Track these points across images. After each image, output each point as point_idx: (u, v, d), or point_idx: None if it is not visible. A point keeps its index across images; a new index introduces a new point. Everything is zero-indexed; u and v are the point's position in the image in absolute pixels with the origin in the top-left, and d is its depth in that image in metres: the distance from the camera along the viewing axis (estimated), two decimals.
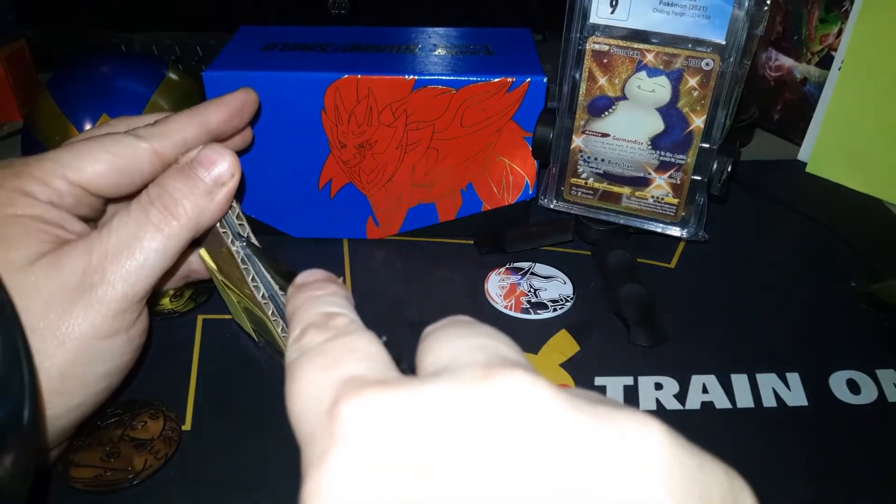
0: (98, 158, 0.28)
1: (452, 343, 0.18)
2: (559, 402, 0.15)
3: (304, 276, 0.24)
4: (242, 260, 0.31)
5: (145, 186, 0.30)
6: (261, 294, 0.31)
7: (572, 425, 0.15)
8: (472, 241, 0.49)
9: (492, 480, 0.14)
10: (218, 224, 0.30)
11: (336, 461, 0.15)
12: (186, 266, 0.36)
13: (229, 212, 0.31)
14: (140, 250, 0.27)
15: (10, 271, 0.25)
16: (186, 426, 0.35)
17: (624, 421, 0.16)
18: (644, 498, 0.14)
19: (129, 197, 0.31)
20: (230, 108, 0.33)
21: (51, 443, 0.28)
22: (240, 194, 0.32)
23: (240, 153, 0.33)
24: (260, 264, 0.31)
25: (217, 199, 0.28)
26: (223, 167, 0.28)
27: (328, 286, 0.23)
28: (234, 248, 0.30)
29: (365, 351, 0.19)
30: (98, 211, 0.30)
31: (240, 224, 0.31)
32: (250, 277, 0.30)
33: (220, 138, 0.33)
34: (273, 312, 0.31)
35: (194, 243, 0.30)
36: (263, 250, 0.31)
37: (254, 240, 0.32)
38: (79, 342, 0.26)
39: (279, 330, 0.32)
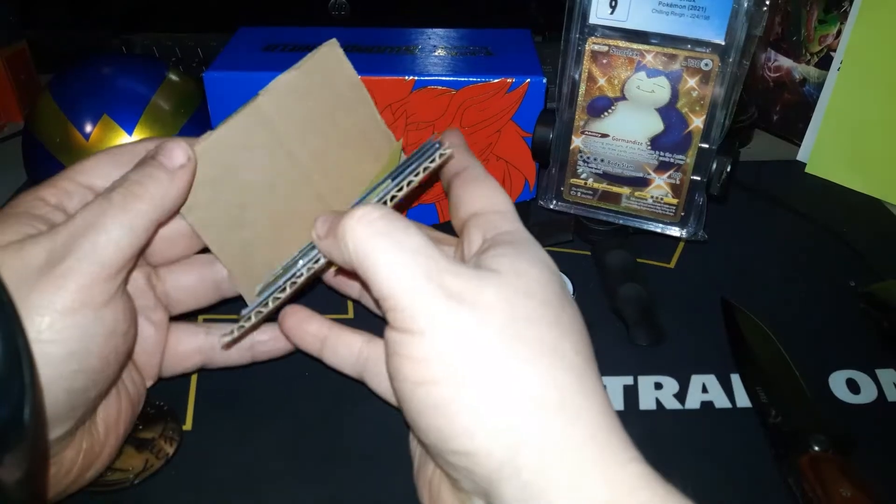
0: (103, 160, 0.31)
1: None
2: None
3: None
4: None
5: None
6: None
7: None
8: None
9: None
10: None
11: None
12: (215, 286, 0.36)
13: None
14: (104, 228, 0.27)
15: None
16: (186, 426, 0.35)
17: None
18: None
19: None
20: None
21: (53, 441, 0.27)
22: None
23: None
24: None
25: (178, 182, 0.29)
26: (179, 153, 0.29)
27: None
28: None
29: None
30: None
31: None
32: None
33: None
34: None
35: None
36: None
37: None
38: (50, 317, 0.25)
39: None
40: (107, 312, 0.27)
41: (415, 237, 0.25)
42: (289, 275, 0.30)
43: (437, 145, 0.31)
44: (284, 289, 0.30)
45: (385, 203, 0.30)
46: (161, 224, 0.30)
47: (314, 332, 0.33)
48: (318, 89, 0.33)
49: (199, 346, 0.35)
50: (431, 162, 0.31)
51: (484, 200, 0.30)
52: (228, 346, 0.31)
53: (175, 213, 0.30)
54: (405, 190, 0.31)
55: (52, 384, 0.26)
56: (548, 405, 0.23)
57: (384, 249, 0.25)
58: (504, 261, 0.26)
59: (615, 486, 0.22)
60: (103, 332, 0.27)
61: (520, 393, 0.23)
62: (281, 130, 0.32)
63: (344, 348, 0.33)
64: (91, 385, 0.27)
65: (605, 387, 0.26)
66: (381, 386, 0.32)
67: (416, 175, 0.31)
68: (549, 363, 0.24)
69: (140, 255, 0.31)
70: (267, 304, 0.30)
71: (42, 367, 0.25)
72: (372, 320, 0.42)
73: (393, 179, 0.31)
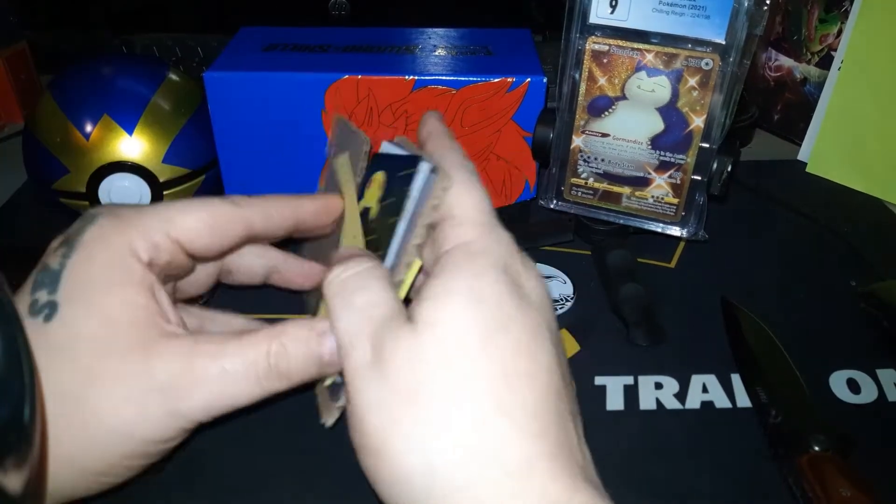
0: (197, 216, 0.29)
1: None
2: None
3: None
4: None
5: (231, 250, 0.32)
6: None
7: None
8: None
9: None
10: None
11: None
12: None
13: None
14: (233, 395, 0.26)
15: (108, 359, 0.25)
16: None
17: None
18: None
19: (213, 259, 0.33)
20: (322, 203, 0.33)
21: None
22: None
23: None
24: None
25: (320, 374, 0.28)
26: (333, 355, 0.28)
27: None
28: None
29: None
30: (185, 271, 0.31)
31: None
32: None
33: (304, 229, 0.33)
34: None
35: None
36: None
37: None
38: (138, 441, 0.26)
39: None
40: (177, 442, 0.28)
41: (366, 294, 0.25)
42: None
43: (430, 173, 0.28)
44: None
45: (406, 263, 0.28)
46: None
47: None
48: None
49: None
50: (437, 199, 0.28)
51: (441, 208, 0.28)
52: (333, 426, 0.31)
53: None
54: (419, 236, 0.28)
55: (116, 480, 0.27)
56: (433, 486, 0.23)
57: (336, 312, 0.26)
58: (423, 307, 0.25)
59: None
60: (167, 452, 0.28)
61: (405, 471, 0.23)
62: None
63: None
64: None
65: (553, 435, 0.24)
66: None
67: (428, 220, 0.28)
68: (434, 437, 0.23)
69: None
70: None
71: (114, 473, 0.26)
72: None
73: (401, 234, 0.28)
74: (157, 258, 0.28)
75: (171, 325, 0.27)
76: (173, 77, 0.49)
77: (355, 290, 0.26)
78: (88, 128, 0.45)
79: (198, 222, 0.29)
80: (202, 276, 0.34)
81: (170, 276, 0.30)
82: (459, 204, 0.27)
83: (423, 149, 0.31)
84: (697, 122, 0.41)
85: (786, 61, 0.62)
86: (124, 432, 0.25)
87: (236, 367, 0.26)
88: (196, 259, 0.31)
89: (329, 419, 0.30)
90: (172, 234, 0.28)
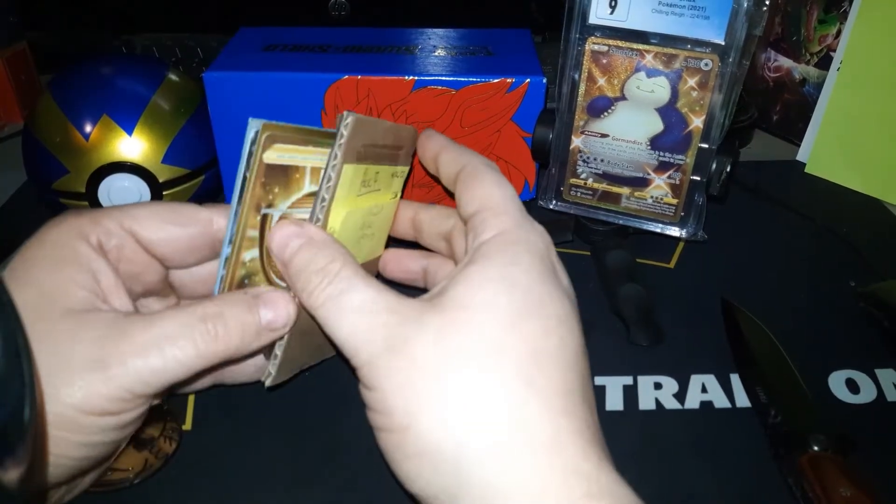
0: (151, 208, 0.30)
1: None
2: None
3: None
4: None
5: (195, 260, 0.31)
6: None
7: None
8: None
9: None
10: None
11: None
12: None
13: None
14: (169, 358, 0.26)
15: (38, 323, 0.25)
16: (186, 426, 0.35)
17: None
18: None
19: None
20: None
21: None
22: None
23: None
24: None
25: (262, 341, 0.28)
26: (282, 317, 0.28)
27: None
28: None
29: None
30: (148, 271, 0.31)
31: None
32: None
33: None
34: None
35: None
36: None
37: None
38: (68, 408, 0.25)
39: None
40: (126, 418, 0.26)
41: (357, 294, 0.26)
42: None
43: (341, 117, 0.28)
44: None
45: (318, 219, 0.29)
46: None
47: (415, 268, 0.36)
48: None
49: None
50: (339, 148, 0.28)
51: (477, 200, 0.29)
52: (273, 388, 0.31)
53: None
54: (333, 182, 0.28)
55: (60, 460, 0.25)
56: (461, 460, 0.23)
57: (334, 319, 0.26)
58: (455, 291, 0.25)
59: None
60: (119, 434, 0.27)
61: (432, 446, 0.23)
62: None
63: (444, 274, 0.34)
64: (103, 457, 0.27)
65: (573, 424, 0.24)
66: None
67: (335, 168, 0.28)
68: (462, 411, 0.23)
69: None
70: (283, 336, 0.30)
71: (55, 451, 0.25)
72: None
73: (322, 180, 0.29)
74: (106, 242, 0.28)
75: (107, 306, 0.27)
76: (173, 77, 0.49)
77: (341, 293, 0.26)
78: (88, 128, 0.45)
79: (151, 212, 0.30)
80: None
81: (131, 275, 0.29)
82: (494, 195, 0.28)
83: (437, 161, 0.32)
84: (697, 122, 0.41)
85: (785, 62, 0.62)
86: (50, 394, 0.24)
87: (170, 329, 0.26)
88: (161, 261, 0.31)
89: (267, 381, 0.30)
90: (126, 223, 0.29)
